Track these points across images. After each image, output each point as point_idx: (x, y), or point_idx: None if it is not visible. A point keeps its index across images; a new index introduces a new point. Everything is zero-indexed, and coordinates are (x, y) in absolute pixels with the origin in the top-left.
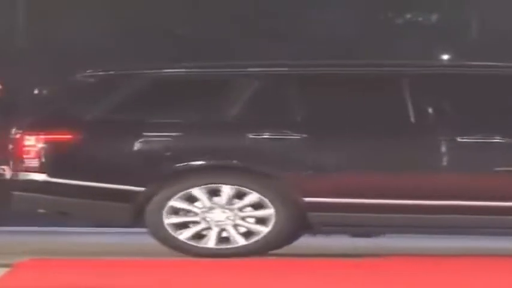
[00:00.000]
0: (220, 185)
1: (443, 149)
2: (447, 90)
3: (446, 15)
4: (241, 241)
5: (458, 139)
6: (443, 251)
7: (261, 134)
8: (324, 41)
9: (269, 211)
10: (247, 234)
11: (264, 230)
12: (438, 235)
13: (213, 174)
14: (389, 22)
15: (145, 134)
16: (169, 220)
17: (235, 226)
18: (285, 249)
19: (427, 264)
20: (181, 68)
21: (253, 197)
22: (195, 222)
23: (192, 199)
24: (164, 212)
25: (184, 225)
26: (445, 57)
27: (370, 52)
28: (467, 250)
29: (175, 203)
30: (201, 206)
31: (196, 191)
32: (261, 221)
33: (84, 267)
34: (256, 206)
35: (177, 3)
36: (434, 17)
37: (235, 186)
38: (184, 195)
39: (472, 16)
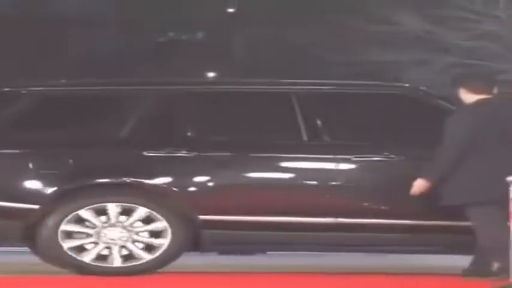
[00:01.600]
0: (104, 204)
1: (335, 167)
2: (338, 109)
3: (211, 34)
4: (146, 256)
5: (352, 158)
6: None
7: (152, 151)
8: (82, 59)
9: (162, 224)
10: (150, 249)
11: (164, 242)
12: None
13: (98, 193)
14: (150, 41)
15: (36, 152)
16: (67, 244)
17: (134, 242)
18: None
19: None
20: (72, 85)
21: (141, 212)
22: (95, 243)
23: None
24: (59, 236)
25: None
26: (211, 74)
27: (132, 71)
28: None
29: (67, 227)
30: (93, 226)
31: (83, 213)
32: (157, 234)
33: None
34: (147, 220)
35: None
36: (198, 36)
37: (121, 204)
38: (73, 217)
39: (237, 35)
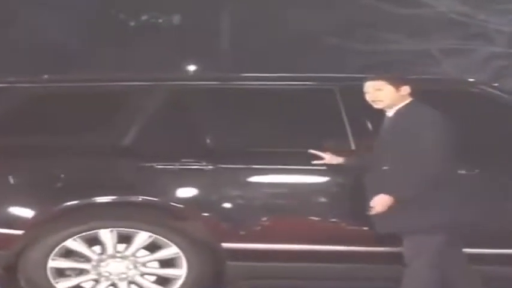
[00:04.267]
0: (96, 230)
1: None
2: None
3: (189, 17)
4: None
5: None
6: None
7: (161, 163)
8: (39, 46)
9: (171, 250)
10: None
11: (180, 273)
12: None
13: (87, 216)
14: (122, 24)
15: (17, 162)
16: (61, 285)
17: (143, 275)
18: None
19: None
20: (65, 81)
21: (143, 237)
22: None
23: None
24: (49, 275)
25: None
26: (192, 67)
27: (99, 60)
28: None
29: (55, 263)
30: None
31: (71, 243)
32: (169, 264)
33: None
34: (152, 248)
35: None
36: (175, 19)
37: (117, 229)
38: (60, 251)
39: (224, 19)
